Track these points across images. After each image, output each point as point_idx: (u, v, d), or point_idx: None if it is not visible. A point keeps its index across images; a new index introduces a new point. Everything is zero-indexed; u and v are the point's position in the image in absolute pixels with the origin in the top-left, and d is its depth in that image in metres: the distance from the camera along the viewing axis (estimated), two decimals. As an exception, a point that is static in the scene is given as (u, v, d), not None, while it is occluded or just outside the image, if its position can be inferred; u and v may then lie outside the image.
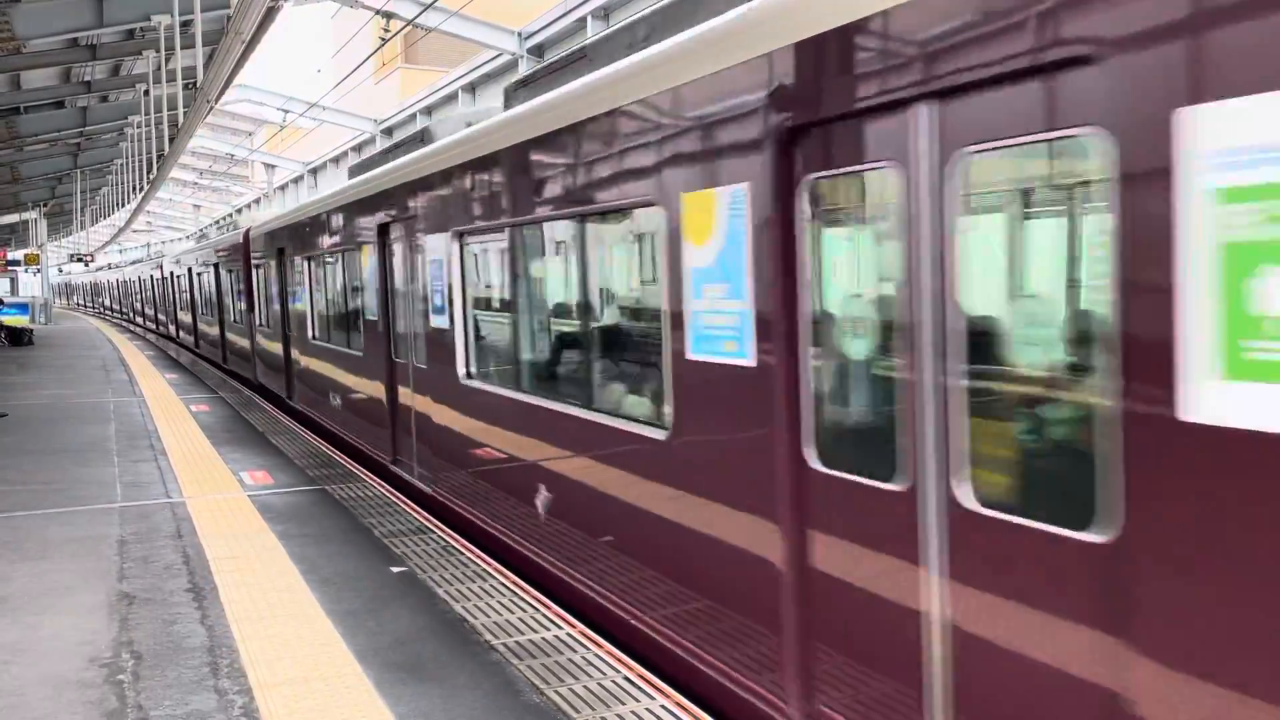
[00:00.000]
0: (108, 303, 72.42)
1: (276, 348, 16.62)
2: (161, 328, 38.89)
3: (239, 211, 48.89)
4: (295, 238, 14.52)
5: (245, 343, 20.05)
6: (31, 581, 6.81)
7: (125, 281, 57.98)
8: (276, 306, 16.26)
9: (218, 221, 49.61)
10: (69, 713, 4.76)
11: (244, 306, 19.58)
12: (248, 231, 18.75)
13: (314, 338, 13.81)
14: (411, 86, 38.82)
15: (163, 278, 36.59)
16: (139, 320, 49.62)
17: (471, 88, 26.18)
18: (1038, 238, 3.34)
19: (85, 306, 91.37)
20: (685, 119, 4.74)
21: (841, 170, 3.89)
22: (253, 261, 18.35)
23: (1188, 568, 2.62)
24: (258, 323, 18.43)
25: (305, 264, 13.98)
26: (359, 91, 33.04)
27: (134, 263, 60.09)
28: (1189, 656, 2.63)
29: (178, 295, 32.36)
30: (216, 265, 22.83)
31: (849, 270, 4.08)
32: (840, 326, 4.04)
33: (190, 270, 27.99)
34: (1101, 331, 2.91)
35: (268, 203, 45.70)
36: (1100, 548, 2.86)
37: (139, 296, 49.57)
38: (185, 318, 30.81)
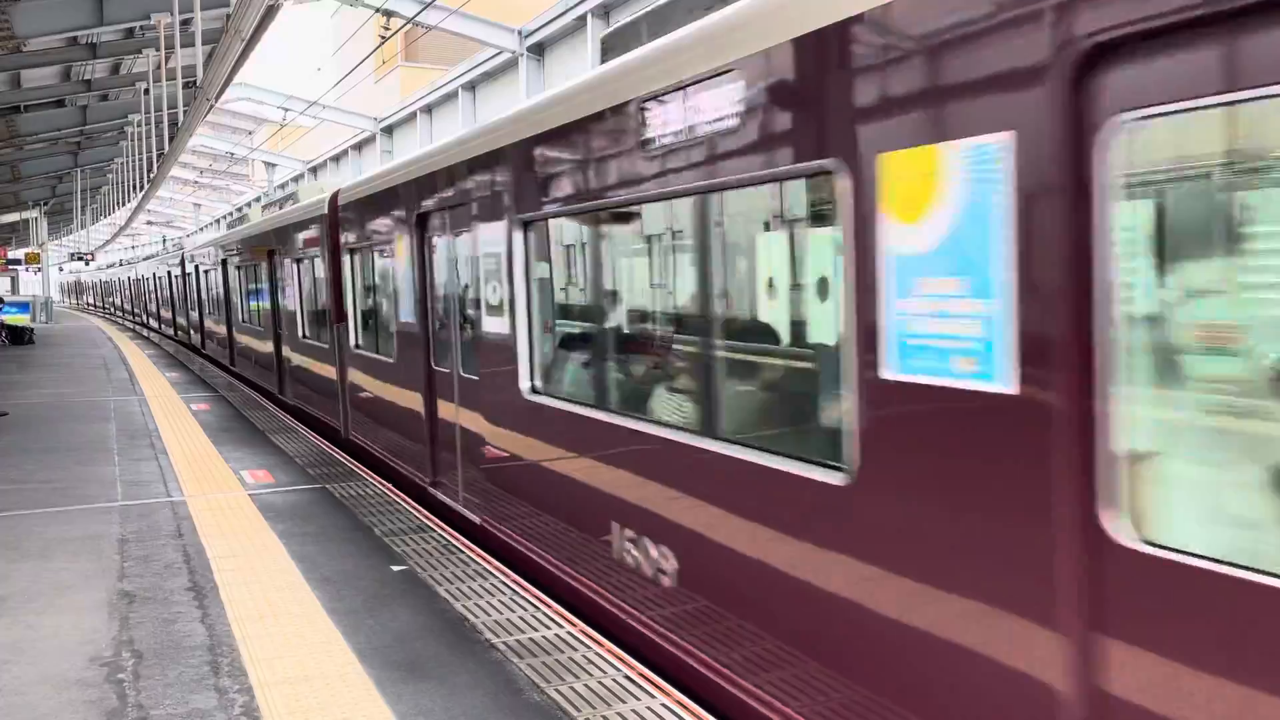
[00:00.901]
0: (120, 303, 61.88)
1: (407, 395, 9.46)
2: (182, 334, 32.35)
3: (260, 200, 45.49)
4: (470, 187, 7.48)
5: (326, 372, 13.08)
6: (32, 580, 6.81)
7: (140, 279, 47.30)
8: (409, 317, 9.25)
9: (261, 197, 41.77)
10: (69, 711, 4.76)
11: (322, 313, 12.93)
12: (335, 197, 12.04)
13: (567, 391, 6.58)
14: (411, 85, 38.79)
15: (184, 274, 29.86)
16: (154, 325, 42.20)
17: (471, 86, 26.20)
18: None
19: (97, 307, 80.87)
20: None
21: None
22: (345, 244, 11.64)
23: None
24: (353, 343, 11.73)
25: (528, 237, 6.75)
26: (359, 90, 33.04)
27: (148, 258, 49.16)
28: None
29: (206, 297, 25.40)
30: (271, 253, 15.95)
31: None
32: None
33: (226, 263, 21.03)
34: None
35: (268, 200, 45.64)
36: None
37: (154, 298, 41.70)
38: (216, 328, 23.83)
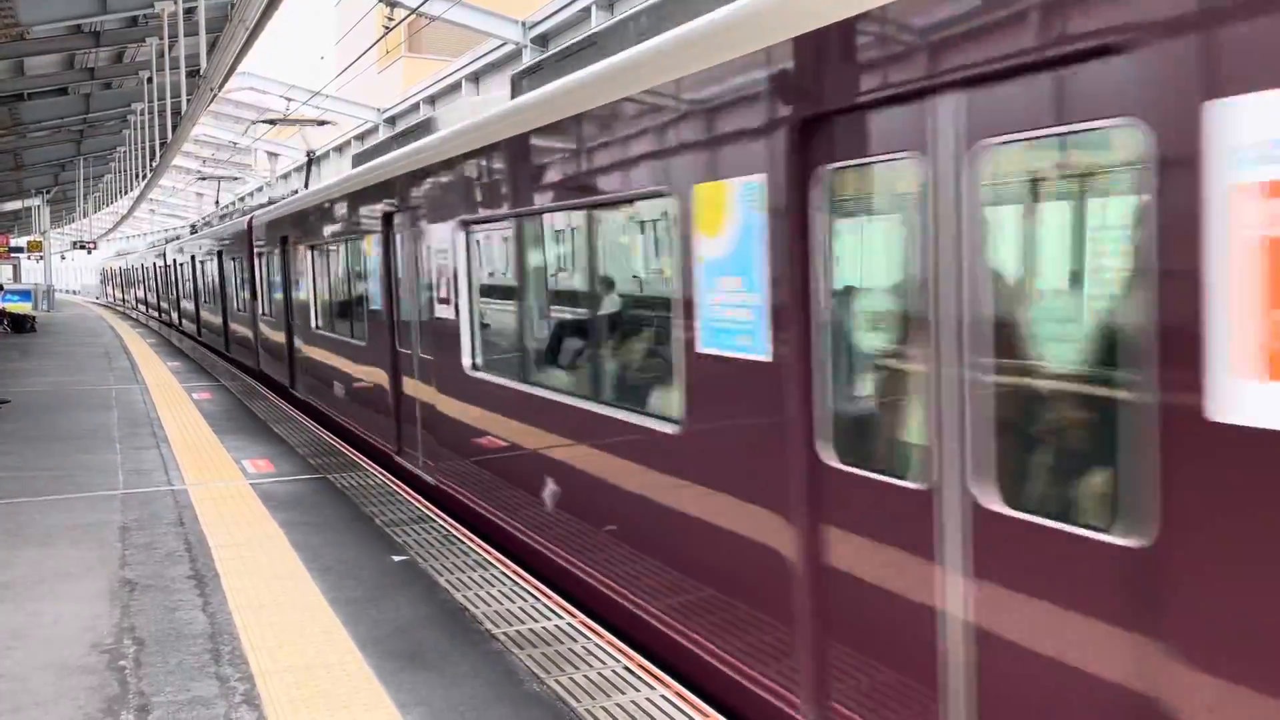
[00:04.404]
0: (182, 302, 33.13)
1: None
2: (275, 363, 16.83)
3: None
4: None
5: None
6: (34, 568, 6.83)
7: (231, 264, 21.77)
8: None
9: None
10: (71, 698, 4.78)
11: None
12: None
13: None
14: (414, 76, 38.74)
15: (252, 252, 17.29)
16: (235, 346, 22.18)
17: (475, 77, 26.14)
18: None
19: (147, 307, 47.58)
20: None
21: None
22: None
23: None
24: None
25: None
26: (362, 80, 33.00)
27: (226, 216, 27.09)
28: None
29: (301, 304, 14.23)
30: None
31: None
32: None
33: (371, 232, 10.38)
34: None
35: (270, 191, 45.65)
36: None
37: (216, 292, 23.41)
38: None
